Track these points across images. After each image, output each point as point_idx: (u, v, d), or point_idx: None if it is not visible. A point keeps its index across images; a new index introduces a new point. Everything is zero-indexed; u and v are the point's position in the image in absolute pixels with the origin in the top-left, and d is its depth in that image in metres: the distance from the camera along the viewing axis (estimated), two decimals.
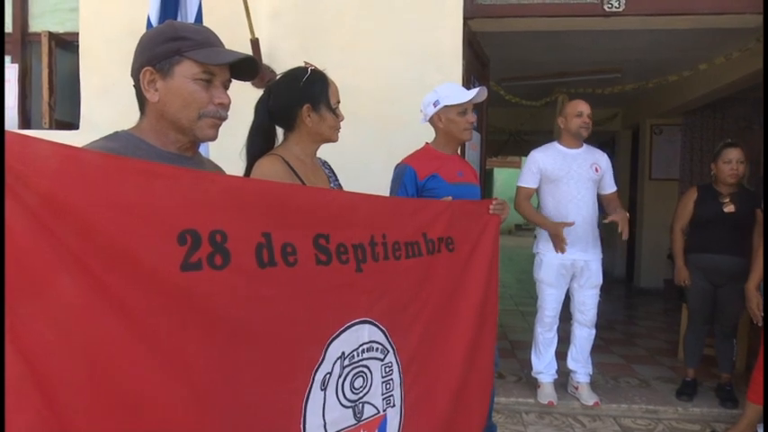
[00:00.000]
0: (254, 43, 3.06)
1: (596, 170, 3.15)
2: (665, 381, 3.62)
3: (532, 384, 3.35)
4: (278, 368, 1.20)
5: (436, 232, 1.86)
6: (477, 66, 3.82)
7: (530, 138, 8.49)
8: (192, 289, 1.00)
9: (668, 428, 3.02)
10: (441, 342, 1.89)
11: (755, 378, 2.76)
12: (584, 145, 3.21)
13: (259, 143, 1.62)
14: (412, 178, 2.24)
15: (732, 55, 4.35)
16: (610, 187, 3.24)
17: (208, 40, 1.18)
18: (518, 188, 3.24)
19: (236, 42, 2.40)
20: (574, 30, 3.72)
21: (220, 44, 1.20)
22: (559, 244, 2.98)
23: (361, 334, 1.45)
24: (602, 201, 3.25)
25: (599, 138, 8.53)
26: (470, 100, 2.27)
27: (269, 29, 3.23)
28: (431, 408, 1.80)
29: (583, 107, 3.12)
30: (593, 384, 3.36)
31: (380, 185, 2.30)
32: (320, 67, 1.66)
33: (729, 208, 3.10)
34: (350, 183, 2.50)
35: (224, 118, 1.21)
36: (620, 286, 7.86)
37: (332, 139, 1.67)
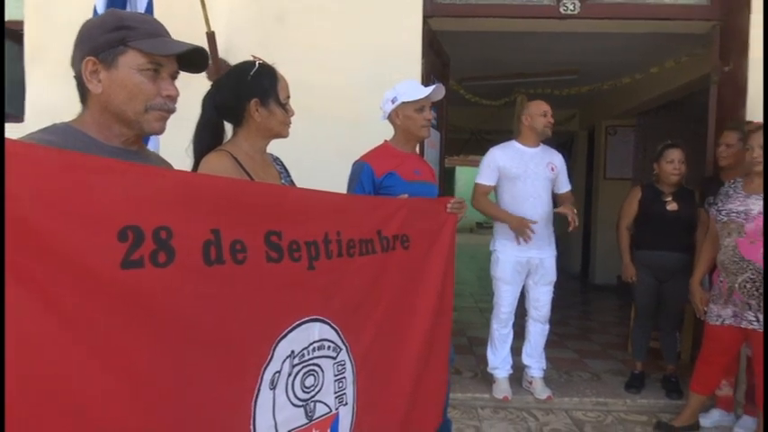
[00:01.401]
0: (210, 36, 3.00)
1: (552, 169, 3.22)
2: (616, 374, 3.73)
3: (488, 380, 3.40)
4: (226, 367, 1.18)
5: (391, 230, 1.86)
6: (437, 65, 3.84)
7: (491, 137, 8.59)
8: (134, 287, 0.97)
9: (617, 420, 3.12)
10: (395, 339, 1.90)
11: (698, 369, 2.88)
12: (541, 144, 3.28)
13: (206, 139, 1.59)
14: (369, 176, 2.23)
15: (681, 59, 4.51)
16: (564, 186, 3.32)
17: (154, 31, 1.14)
18: (476, 185, 3.27)
19: (192, 35, 2.35)
20: (532, 31, 3.78)
21: (167, 35, 1.17)
22: (524, 234, 3.02)
23: (312, 332, 1.44)
24: (556, 200, 3.32)
25: (558, 138, 8.71)
26: (428, 97, 2.28)
27: (226, 22, 3.17)
28: (385, 405, 1.81)
29: (546, 107, 3.19)
30: (547, 379, 3.43)
31: (338, 183, 2.29)
32: (270, 62, 1.63)
33: (672, 206, 3.23)
34: (307, 180, 2.48)
35: (172, 110, 1.18)
36: (576, 282, 8.06)
37: (282, 134, 1.65)
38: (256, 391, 1.25)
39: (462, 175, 19.12)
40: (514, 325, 3.36)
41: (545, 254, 3.20)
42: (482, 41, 4.67)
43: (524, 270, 3.21)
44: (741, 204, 2.65)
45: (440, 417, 2.26)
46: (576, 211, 3.10)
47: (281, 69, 1.70)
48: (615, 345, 4.53)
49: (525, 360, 3.35)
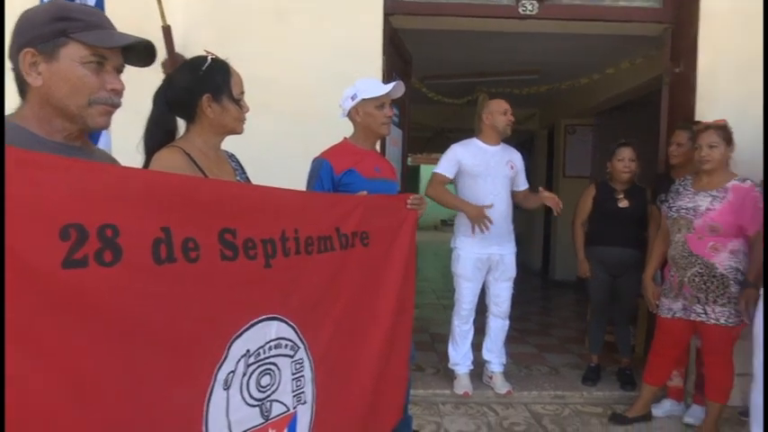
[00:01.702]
0: (166, 30, 2.93)
1: (512, 167, 3.27)
2: (573, 367, 3.82)
3: (450, 376, 3.43)
4: (177, 368, 1.16)
5: (350, 227, 1.85)
6: (399, 62, 3.85)
7: (453, 135, 8.65)
8: (77, 287, 0.94)
9: (574, 412, 3.19)
10: (355, 336, 1.90)
11: (650, 361, 2.97)
12: (501, 143, 3.32)
13: (158, 135, 1.55)
14: (328, 172, 2.22)
15: (636, 61, 4.64)
16: (522, 185, 3.38)
17: (98, 22, 1.11)
18: (433, 174, 3.27)
19: (148, 29, 2.29)
20: (492, 31, 3.82)
21: (112, 27, 1.14)
22: (483, 223, 3.05)
23: (269, 331, 1.42)
24: (514, 198, 3.37)
25: (518, 137, 8.85)
26: (388, 94, 2.29)
27: (183, 17, 3.10)
28: (345, 402, 1.80)
29: (506, 106, 3.24)
30: (507, 373, 3.49)
31: (299, 180, 2.27)
32: (224, 57, 1.60)
33: (623, 203, 3.34)
34: (266, 177, 2.43)
35: (117, 105, 1.15)
36: (537, 278, 8.21)
37: (236, 130, 1.62)
38: (209, 392, 1.22)
39: (427, 173, 19.16)
40: (475, 321, 3.40)
41: (505, 250, 3.25)
42: (444, 40, 4.70)
43: (485, 267, 3.25)
44: (690, 201, 2.75)
45: (400, 413, 2.27)
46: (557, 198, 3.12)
47: (239, 65, 1.67)
48: (573, 339, 4.63)
49: (486, 355, 3.40)
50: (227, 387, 1.27)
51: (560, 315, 5.77)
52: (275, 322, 1.46)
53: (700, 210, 2.69)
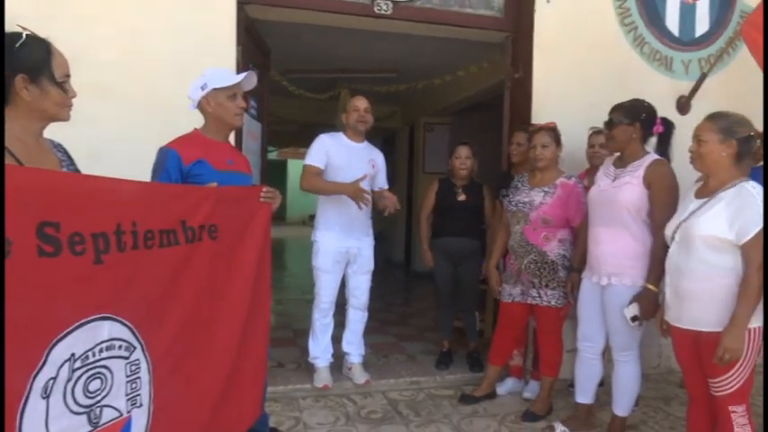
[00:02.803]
0: None
1: (373, 166, 3.34)
2: (429, 354, 4.02)
3: (310, 370, 3.44)
4: None
5: (198, 220, 1.78)
6: (257, 54, 3.77)
7: (320, 129, 8.66)
8: None
9: (428, 396, 3.36)
10: (204, 333, 1.83)
11: (494, 343, 3.22)
12: (365, 141, 3.39)
13: None
14: (176, 163, 2.11)
15: (483, 65, 4.99)
16: (382, 184, 3.46)
17: None
18: (305, 166, 3.25)
19: None
20: (350, 28, 3.88)
21: None
22: (362, 199, 3.05)
23: (99, 332, 1.32)
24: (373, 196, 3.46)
25: (382, 133, 9.10)
26: (239, 84, 2.23)
27: None
28: (190, 402, 1.74)
29: (359, 102, 3.29)
30: (367, 363, 3.58)
31: (146, 170, 2.13)
32: (45, 36, 1.44)
33: (462, 197, 3.60)
34: (111, 167, 2.27)
35: None
36: (399, 271, 8.52)
37: (60, 117, 1.48)
38: (23, 402, 1.11)
39: (294, 167, 19.03)
40: (335, 314, 3.44)
41: (363, 243, 3.33)
42: (304, 34, 4.69)
43: (344, 259, 3.30)
44: (526, 196, 3.01)
45: (257, 411, 2.23)
46: (395, 199, 3.24)
47: (70, 46, 1.52)
48: (430, 327, 4.86)
49: (345, 347, 3.46)
50: (46, 395, 1.17)
51: (419, 305, 6.04)
52: (107, 322, 1.36)
53: (534, 204, 2.96)
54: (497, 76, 4.90)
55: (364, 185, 3.20)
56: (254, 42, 3.63)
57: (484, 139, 6.18)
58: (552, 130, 3.02)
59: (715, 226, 2.01)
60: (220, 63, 2.84)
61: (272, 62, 4.31)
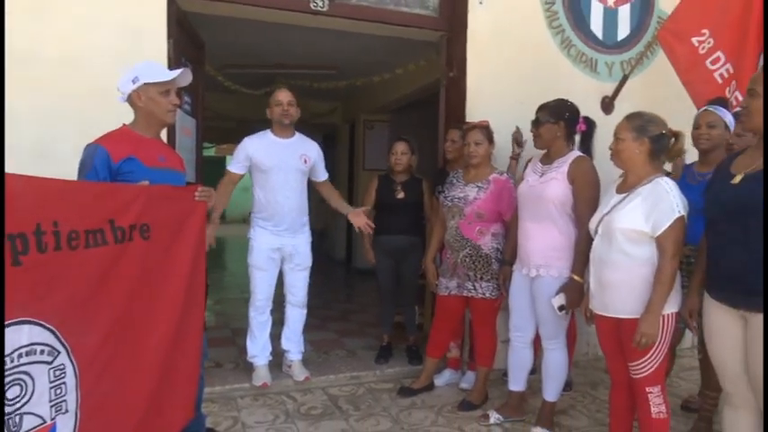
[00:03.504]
0: None
1: (305, 161, 3.30)
2: (369, 349, 4.06)
3: (249, 369, 3.41)
4: None
5: (127, 219, 1.74)
6: (190, 48, 3.68)
7: (257, 126, 8.54)
8: None
9: (368, 390, 3.40)
10: (135, 335, 1.79)
11: (431, 336, 3.30)
12: (297, 135, 3.35)
13: None
14: (104, 160, 2.03)
15: (420, 63, 5.06)
16: (321, 175, 3.45)
17: None
18: (226, 172, 3.27)
19: None
20: (288, 24, 3.85)
21: None
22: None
23: (18, 336, 1.27)
24: (318, 188, 3.46)
25: (323, 129, 9.06)
26: (174, 80, 2.17)
27: None
28: (119, 406, 1.70)
29: (281, 96, 3.25)
30: (307, 360, 3.58)
31: (72, 169, 2.05)
32: None
33: (401, 194, 3.65)
34: (34, 163, 2.18)
35: None
36: (341, 268, 8.51)
37: None
38: None
39: None
40: (273, 312, 3.42)
41: (299, 240, 3.32)
42: (242, 29, 4.61)
43: (278, 256, 3.29)
44: (461, 192, 3.10)
45: (191, 413, 2.19)
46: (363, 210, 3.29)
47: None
48: (372, 323, 4.90)
49: (284, 345, 3.44)
50: None
51: (361, 301, 6.07)
52: (27, 326, 1.31)
53: (468, 199, 3.05)
54: (434, 75, 4.98)
55: (297, 178, 3.18)
56: (186, 36, 3.54)
57: (422, 136, 6.28)
58: (485, 128, 3.11)
59: (633, 219, 2.14)
60: (151, 57, 2.75)
61: (206, 57, 4.22)
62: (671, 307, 2.14)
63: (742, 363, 1.92)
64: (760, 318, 1.80)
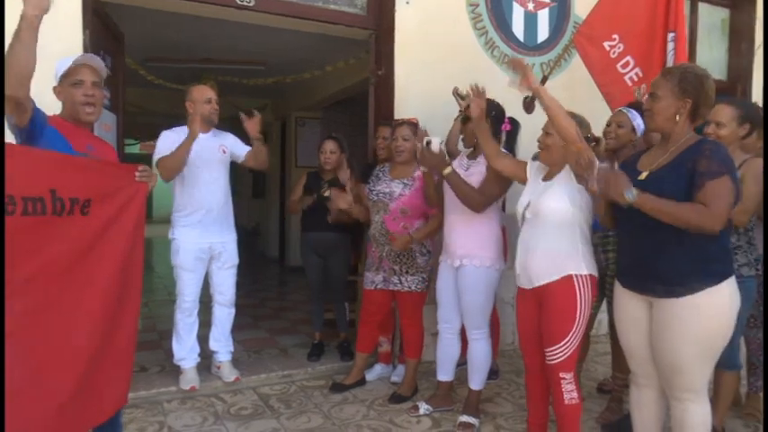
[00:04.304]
0: None
1: (224, 152, 3.27)
2: (301, 347, 4.05)
3: (176, 372, 3.32)
4: None
5: (69, 192, 1.67)
6: (108, 40, 3.53)
7: (185, 122, 8.28)
8: None
9: (300, 388, 3.39)
10: (64, 313, 1.71)
11: (360, 331, 3.34)
12: (213, 129, 3.30)
13: None
14: (42, 114, 1.96)
15: (350, 61, 5.08)
16: (242, 150, 3.35)
17: None
18: (158, 161, 3.12)
19: None
20: (215, 18, 3.77)
21: None
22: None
23: None
24: (248, 163, 3.36)
25: None
26: (82, 70, 2.09)
27: None
28: (41, 388, 1.62)
29: (210, 93, 3.21)
30: (237, 360, 3.53)
31: None
32: None
33: (326, 192, 3.67)
34: None
35: None
36: (274, 266, 8.41)
37: None
38: None
39: None
40: (200, 313, 3.34)
41: (226, 238, 3.27)
42: (165, 21, 4.45)
43: (207, 256, 3.22)
44: (387, 187, 3.14)
45: (123, 399, 2.12)
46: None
47: None
48: (304, 321, 4.88)
49: (212, 345, 3.38)
50: None
51: (294, 299, 6.03)
52: None
53: (394, 195, 3.10)
54: (364, 73, 5.02)
55: (221, 171, 3.14)
56: (104, 27, 3.40)
57: (354, 133, 6.32)
58: (413, 125, 3.18)
59: (558, 200, 2.28)
60: (65, 48, 2.62)
61: (127, 49, 4.05)
62: (588, 268, 2.26)
63: (647, 346, 2.08)
64: (664, 303, 1.96)
